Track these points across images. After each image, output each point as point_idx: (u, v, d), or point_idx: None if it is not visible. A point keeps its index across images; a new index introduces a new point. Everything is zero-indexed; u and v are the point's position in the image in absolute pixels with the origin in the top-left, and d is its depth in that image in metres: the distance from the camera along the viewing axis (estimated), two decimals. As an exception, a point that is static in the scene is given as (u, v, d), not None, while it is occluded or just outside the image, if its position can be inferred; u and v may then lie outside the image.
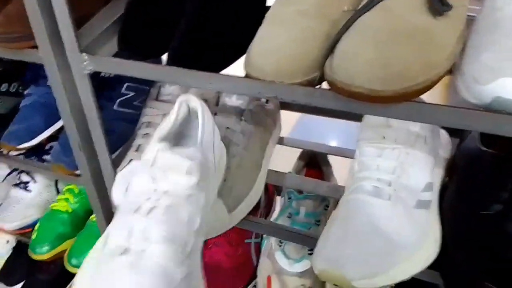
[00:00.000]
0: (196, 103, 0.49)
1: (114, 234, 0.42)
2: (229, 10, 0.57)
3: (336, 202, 0.79)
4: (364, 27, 0.43)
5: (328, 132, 2.07)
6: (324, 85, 0.47)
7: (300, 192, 0.80)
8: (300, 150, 0.89)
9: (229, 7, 0.57)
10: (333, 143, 1.93)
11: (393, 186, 0.53)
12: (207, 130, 0.49)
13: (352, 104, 0.43)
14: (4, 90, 0.79)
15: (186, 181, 0.42)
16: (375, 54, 0.40)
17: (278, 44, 0.47)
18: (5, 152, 0.80)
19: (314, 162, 0.90)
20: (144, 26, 0.57)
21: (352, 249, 0.50)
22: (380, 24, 0.42)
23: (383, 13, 0.43)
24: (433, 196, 0.55)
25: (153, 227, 0.40)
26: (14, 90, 0.80)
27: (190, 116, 0.53)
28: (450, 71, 0.44)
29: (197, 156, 0.44)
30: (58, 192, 0.95)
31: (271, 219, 0.92)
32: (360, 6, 0.46)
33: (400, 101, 0.42)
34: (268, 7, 0.60)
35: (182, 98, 0.49)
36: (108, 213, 0.75)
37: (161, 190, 0.41)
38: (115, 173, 0.66)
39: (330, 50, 0.45)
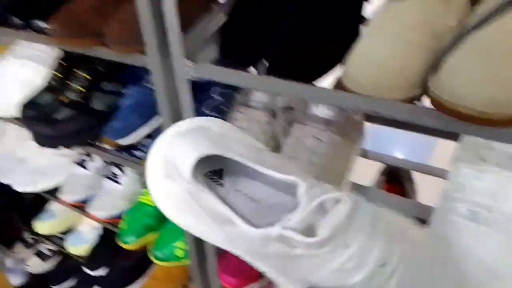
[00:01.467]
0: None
1: None
2: (325, 21, 0.57)
3: (419, 221, 0.76)
4: (476, 43, 0.41)
5: (396, 142, 2.00)
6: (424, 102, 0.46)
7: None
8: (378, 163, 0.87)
9: (325, 19, 0.57)
10: (399, 154, 1.86)
11: (491, 211, 0.50)
12: None
13: (457, 124, 0.42)
14: (105, 88, 0.86)
15: None
16: (488, 73, 0.38)
17: (379, 57, 0.46)
18: (103, 146, 0.87)
19: (396, 177, 0.87)
20: (243, 36, 0.59)
21: (445, 274, 0.48)
22: (495, 41, 0.40)
23: (498, 30, 0.41)
24: (535, 225, 0.51)
25: None
26: (114, 89, 0.87)
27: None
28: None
29: None
30: (144, 185, 1.01)
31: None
32: (471, 22, 0.44)
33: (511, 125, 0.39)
34: (364, 18, 0.59)
35: None
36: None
37: None
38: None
39: (435, 66, 0.44)
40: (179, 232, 0.83)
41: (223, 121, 0.47)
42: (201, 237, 0.40)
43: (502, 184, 0.51)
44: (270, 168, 0.39)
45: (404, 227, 0.46)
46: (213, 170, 0.44)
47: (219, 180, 0.43)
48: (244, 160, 0.39)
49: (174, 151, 0.38)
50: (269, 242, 0.36)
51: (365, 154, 0.82)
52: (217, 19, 0.65)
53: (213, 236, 0.39)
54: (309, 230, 0.35)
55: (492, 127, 0.40)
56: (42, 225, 1.15)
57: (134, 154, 0.91)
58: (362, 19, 0.62)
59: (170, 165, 0.38)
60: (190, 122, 0.44)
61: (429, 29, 0.47)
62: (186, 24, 0.59)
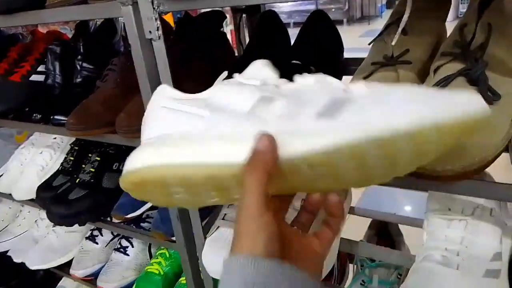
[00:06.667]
0: None
1: None
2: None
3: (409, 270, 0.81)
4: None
5: (397, 200, 2.08)
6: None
7: (372, 260, 0.83)
8: (370, 219, 0.94)
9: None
10: (402, 211, 1.94)
11: (461, 255, 0.56)
12: None
13: (416, 181, 0.49)
14: (115, 168, 0.96)
15: None
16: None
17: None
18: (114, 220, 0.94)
19: (385, 231, 0.93)
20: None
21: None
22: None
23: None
24: (502, 266, 0.57)
25: None
26: (122, 168, 0.96)
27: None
28: (507, 149, 0.49)
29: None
30: (150, 256, 1.07)
31: (345, 286, 0.95)
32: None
33: (461, 179, 0.47)
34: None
35: None
36: (197, 276, 0.84)
37: None
38: (205, 239, 0.76)
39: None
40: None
41: None
42: None
43: (468, 229, 0.58)
44: None
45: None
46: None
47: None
48: None
49: None
50: None
51: (352, 211, 0.89)
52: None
53: None
54: None
55: (446, 181, 0.48)
56: (54, 303, 1.19)
57: (141, 226, 0.98)
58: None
59: None
60: None
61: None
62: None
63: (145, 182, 0.39)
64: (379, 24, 7.43)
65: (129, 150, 0.98)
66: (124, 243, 1.06)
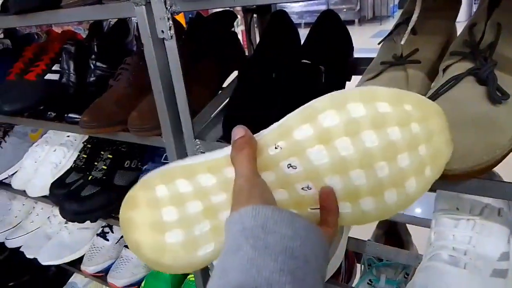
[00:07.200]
0: None
1: None
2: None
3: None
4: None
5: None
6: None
7: (380, 259, 0.84)
8: (379, 219, 0.94)
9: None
10: (410, 211, 1.91)
11: (469, 255, 0.56)
12: None
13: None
14: (127, 166, 0.97)
15: None
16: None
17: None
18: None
19: (393, 231, 0.94)
20: (243, 116, 0.70)
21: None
22: (445, 110, 0.50)
23: (446, 103, 0.51)
24: (509, 265, 0.57)
25: None
26: (134, 166, 0.98)
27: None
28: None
29: None
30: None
31: (352, 286, 0.96)
32: (428, 95, 0.54)
33: (468, 178, 0.48)
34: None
35: None
36: (205, 273, 0.85)
37: None
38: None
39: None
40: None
41: None
42: None
43: (476, 229, 0.58)
44: None
45: None
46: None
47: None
48: None
49: None
50: None
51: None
52: (220, 101, 0.76)
53: None
54: None
55: (453, 180, 0.48)
56: (65, 299, 1.21)
57: (151, 223, 0.99)
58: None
59: None
60: None
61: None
62: (196, 109, 0.71)
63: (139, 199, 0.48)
64: (391, 25, 7.32)
65: (141, 148, 1.01)
66: (135, 240, 1.08)
